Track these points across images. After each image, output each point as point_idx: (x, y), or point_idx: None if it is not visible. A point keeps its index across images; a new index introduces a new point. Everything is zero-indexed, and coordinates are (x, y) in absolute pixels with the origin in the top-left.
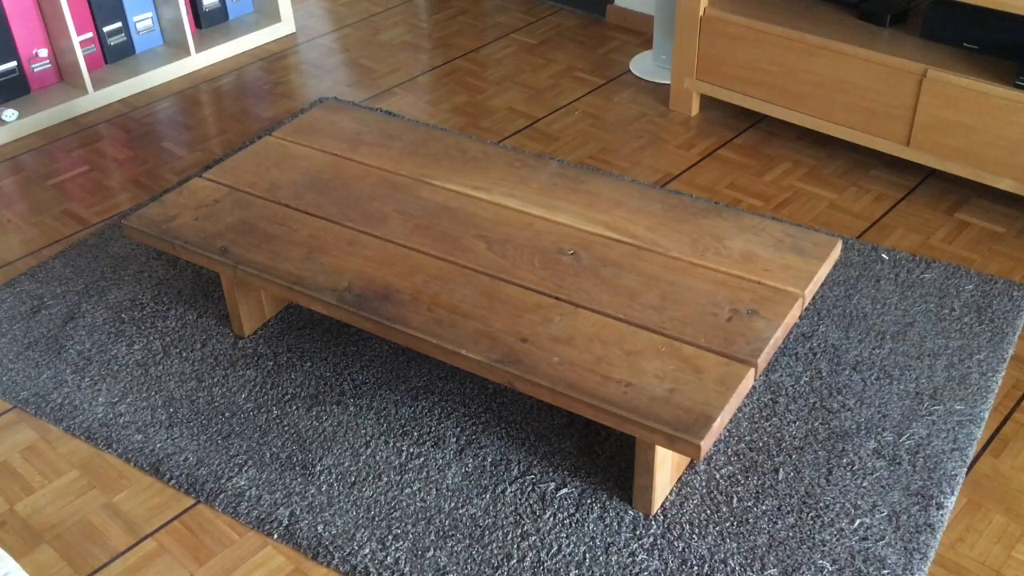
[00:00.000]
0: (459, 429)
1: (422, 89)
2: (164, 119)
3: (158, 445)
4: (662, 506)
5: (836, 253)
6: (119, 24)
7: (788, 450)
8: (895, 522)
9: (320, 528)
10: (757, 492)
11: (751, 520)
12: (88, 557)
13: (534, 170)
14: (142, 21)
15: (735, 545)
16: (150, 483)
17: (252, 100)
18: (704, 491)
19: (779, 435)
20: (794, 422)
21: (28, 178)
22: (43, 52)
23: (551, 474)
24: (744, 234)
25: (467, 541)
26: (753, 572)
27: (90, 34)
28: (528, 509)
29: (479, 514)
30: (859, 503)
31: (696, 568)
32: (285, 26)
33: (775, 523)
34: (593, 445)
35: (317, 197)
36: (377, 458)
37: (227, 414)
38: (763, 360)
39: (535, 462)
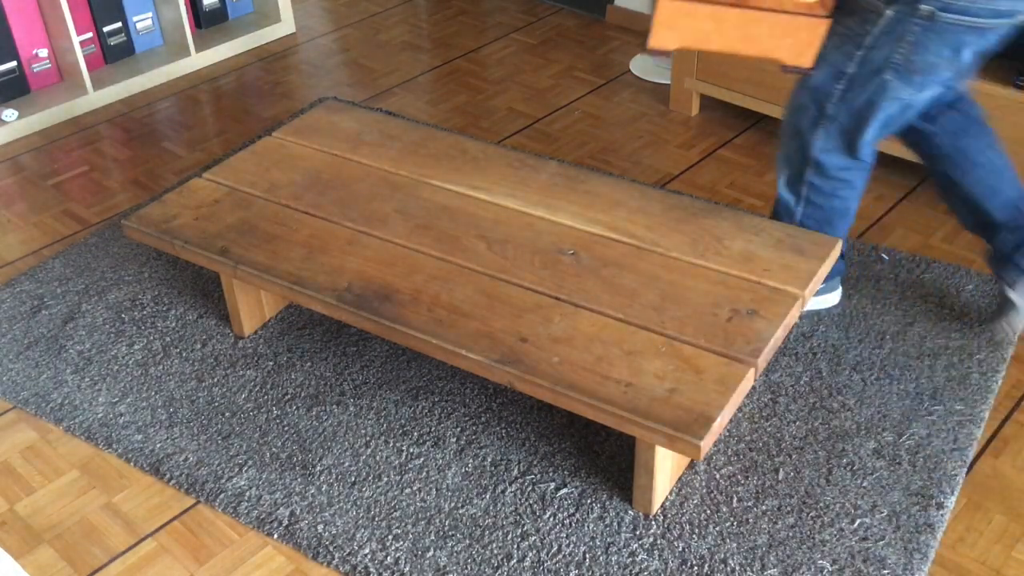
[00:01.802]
0: (459, 429)
1: (422, 89)
2: (164, 119)
3: (158, 445)
4: (662, 506)
5: (836, 253)
6: (119, 24)
7: (788, 450)
8: (895, 522)
9: (320, 528)
10: (757, 492)
11: (751, 520)
12: (88, 557)
13: (534, 170)
14: (142, 21)
15: (735, 545)
16: (150, 483)
17: (252, 100)
18: (704, 491)
19: (779, 435)
20: (794, 422)
21: (28, 178)
22: (43, 52)
23: (551, 474)
24: (744, 234)
25: (467, 541)
26: (753, 572)
27: (90, 34)
28: (528, 509)
29: (479, 514)
30: (859, 503)
31: (696, 568)
32: (285, 26)
33: (775, 523)
34: (593, 445)
35: (317, 197)
36: (377, 458)
37: (227, 414)
38: (763, 360)
39: (535, 462)
